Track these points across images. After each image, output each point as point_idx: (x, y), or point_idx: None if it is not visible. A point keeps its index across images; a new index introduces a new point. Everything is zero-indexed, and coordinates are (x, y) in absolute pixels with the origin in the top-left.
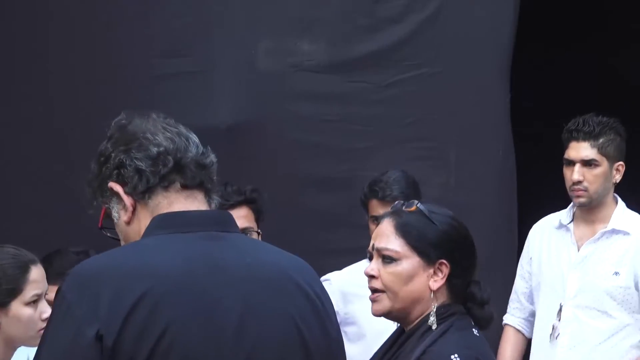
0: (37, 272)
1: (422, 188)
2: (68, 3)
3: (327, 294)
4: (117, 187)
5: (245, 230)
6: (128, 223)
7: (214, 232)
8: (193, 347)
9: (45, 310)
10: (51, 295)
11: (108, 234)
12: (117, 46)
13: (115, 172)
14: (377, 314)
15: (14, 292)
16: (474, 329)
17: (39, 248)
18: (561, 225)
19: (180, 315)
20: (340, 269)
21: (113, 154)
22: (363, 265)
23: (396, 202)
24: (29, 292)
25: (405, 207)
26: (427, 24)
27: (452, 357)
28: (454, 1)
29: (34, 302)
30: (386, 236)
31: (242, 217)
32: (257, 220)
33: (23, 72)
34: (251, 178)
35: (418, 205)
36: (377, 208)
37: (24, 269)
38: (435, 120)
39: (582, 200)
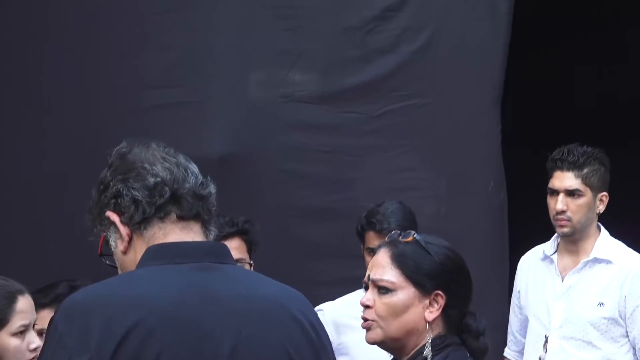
0: (24, 303)
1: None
2: (60, 35)
3: (323, 325)
4: (114, 217)
5: (237, 262)
6: (124, 253)
7: (208, 263)
8: None
9: (33, 341)
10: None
11: (107, 262)
12: (109, 76)
13: (112, 201)
14: (370, 343)
15: (1, 322)
16: None
17: (39, 275)
18: (545, 257)
19: (171, 345)
20: (332, 299)
21: (111, 183)
22: (356, 295)
23: (392, 232)
24: (16, 322)
25: (402, 238)
26: (418, 54)
27: None
28: (445, 32)
29: (21, 332)
30: (382, 267)
31: (234, 248)
32: (250, 251)
33: (16, 101)
34: (243, 209)
35: (414, 235)
36: (374, 240)
37: (11, 299)
38: (426, 150)
39: (565, 230)
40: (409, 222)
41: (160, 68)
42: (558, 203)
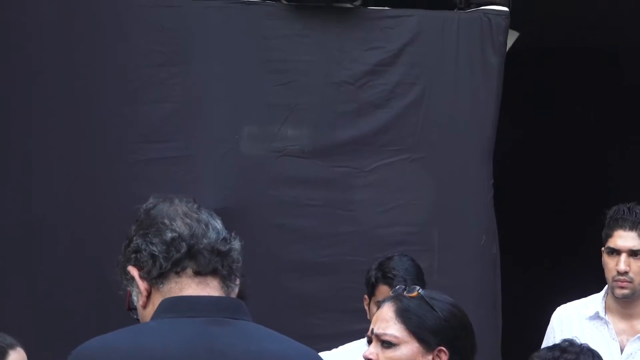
0: (15, 357)
1: None
2: (48, 89)
3: None
4: (134, 271)
5: None
6: (144, 307)
7: (221, 319)
8: None
9: None
10: None
11: (135, 317)
12: (100, 130)
13: (133, 255)
14: None
15: None
16: None
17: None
18: (596, 316)
19: None
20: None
21: (134, 238)
22: (354, 346)
23: (397, 287)
24: None
25: (407, 293)
26: (410, 108)
27: None
28: (436, 86)
29: None
30: (386, 321)
31: None
32: None
33: (2, 154)
34: None
35: (419, 291)
36: (386, 294)
37: (2, 354)
38: (418, 204)
39: (625, 292)
40: (422, 279)
41: (152, 122)
42: (620, 263)
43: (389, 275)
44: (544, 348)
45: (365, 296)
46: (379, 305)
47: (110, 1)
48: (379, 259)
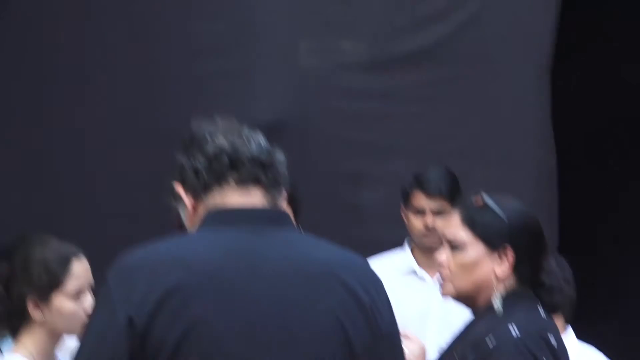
0: (79, 266)
1: (460, 184)
2: (104, 4)
3: (382, 288)
4: (180, 188)
5: None
6: (191, 223)
7: (262, 228)
8: (223, 340)
9: (89, 304)
10: None
11: None
12: (157, 46)
13: (178, 174)
14: (444, 296)
15: (55, 284)
16: (540, 310)
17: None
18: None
19: (212, 307)
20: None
21: (179, 157)
22: (393, 253)
23: (465, 195)
24: (71, 285)
25: (473, 199)
26: (468, 23)
27: (510, 325)
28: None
29: (77, 295)
30: (454, 227)
31: None
32: (295, 217)
33: (62, 76)
34: (291, 175)
35: (484, 197)
36: (420, 200)
37: (65, 262)
38: (474, 118)
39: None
40: (457, 188)
41: (209, 37)
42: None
43: (422, 181)
44: None
45: (402, 206)
46: (415, 211)
47: None
48: None
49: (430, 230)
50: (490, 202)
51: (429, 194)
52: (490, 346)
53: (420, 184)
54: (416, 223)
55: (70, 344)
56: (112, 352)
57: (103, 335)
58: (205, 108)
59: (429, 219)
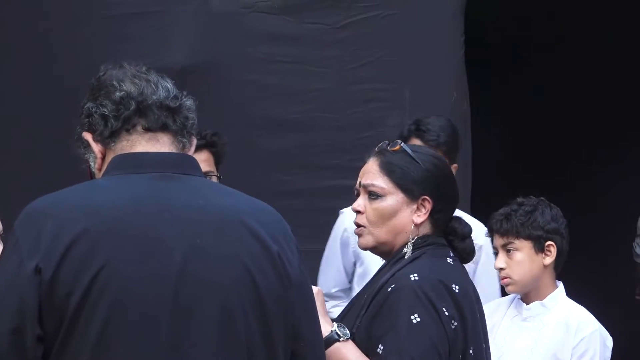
0: None
1: (376, 129)
2: None
3: (291, 238)
4: (88, 136)
5: (206, 174)
6: (100, 170)
7: (170, 174)
8: (131, 285)
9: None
10: None
11: None
12: None
13: (86, 121)
14: (362, 248)
15: None
16: (449, 258)
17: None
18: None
19: (120, 252)
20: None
21: (86, 105)
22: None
23: (381, 143)
24: None
25: (390, 147)
26: None
27: (412, 276)
28: None
29: None
30: (372, 174)
31: (203, 161)
32: (217, 164)
33: None
34: (205, 119)
35: (402, 145)
36: None
37: None
38: (389, 61)
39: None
40: (456, 140)
41: None
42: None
43: (422, 128)
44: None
45: None
46: None
47: None
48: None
49: None
50: (407, 148)
51: (427, 141)
52: (389, 289)
53: (420, 131)
54: None
55: None
56: (21, 302)
57: (11, 283)
58: (117, 52)
59: None
